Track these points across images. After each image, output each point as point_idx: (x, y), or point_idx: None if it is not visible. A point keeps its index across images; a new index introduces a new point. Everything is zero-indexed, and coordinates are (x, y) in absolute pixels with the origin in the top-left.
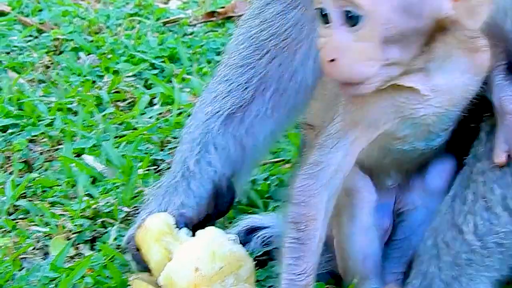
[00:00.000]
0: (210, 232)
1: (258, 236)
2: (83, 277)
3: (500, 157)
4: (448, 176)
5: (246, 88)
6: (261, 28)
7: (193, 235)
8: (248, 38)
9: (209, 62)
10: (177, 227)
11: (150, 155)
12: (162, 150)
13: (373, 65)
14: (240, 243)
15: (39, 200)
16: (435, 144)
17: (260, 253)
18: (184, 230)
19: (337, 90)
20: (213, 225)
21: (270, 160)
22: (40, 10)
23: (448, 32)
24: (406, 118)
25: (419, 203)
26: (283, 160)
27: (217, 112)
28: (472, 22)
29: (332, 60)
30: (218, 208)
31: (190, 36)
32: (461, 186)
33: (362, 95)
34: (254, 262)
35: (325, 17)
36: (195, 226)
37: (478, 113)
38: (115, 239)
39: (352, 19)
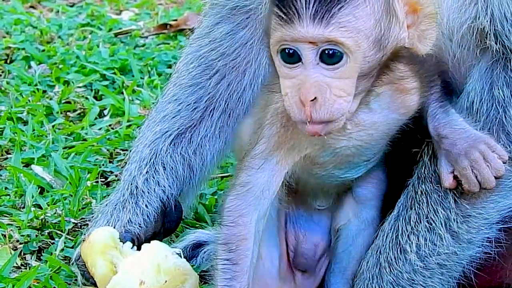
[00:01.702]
0: (155, 246)
1: (205, 251)
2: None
3: (448, 181)
4: (376, 184)
5: (195, 108)
6: (211, 47)
7: (138, 250)
8: (198, 57)
9: (160, 74)
10: (121, 241)
11: (99, 167)
12: (111, 162)
13: (350, 99)
14: (186, 257)
15: None
16: (356, 174)
17: (205, 267)
18: (129, 244)
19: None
20: (160, 240)
21: (218, 175)
22: None
23: (389, 68)
24: (327, 146)
25: (351, 215)
26: (231, 175)
27: (166, 132)
28: (424, 47)
29: (313, 100)
30: (165, 227)
31: (141, 48)
32: (405, 206)
33: (330, 133)
34: (199, 277)
35: (292, 57)
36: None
37: (419, 138)
38: (62, 250)
39: (332, 58)
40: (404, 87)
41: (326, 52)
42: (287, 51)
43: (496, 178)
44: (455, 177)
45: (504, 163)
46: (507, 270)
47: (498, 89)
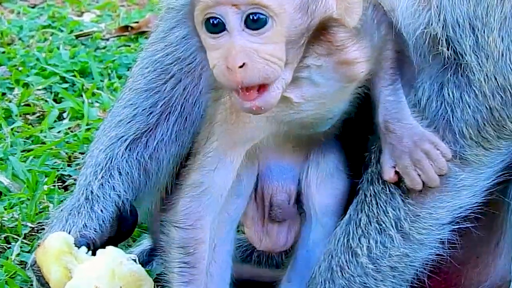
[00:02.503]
0: (110, 252)
1: (160, 255)
2: None
3: (389, 174)
4: (339, 195)
5: (151, 113)
6: (166, 52)
7: (94, 254)
8: (153, 62)
9: (120, 77)
10: (77, 246)
11: (57, 171)
12: (69, 165)
13: (281, 64)
14: (142, 262)
15: None
16: (323, 129)
17: (160, 272)
18: (84, 249)
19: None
20: (116, 245)
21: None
22: None
23: (321, 39)
24: (282, 122)
25: (314, 222)
26: None
27: (122, 137)
28: (351, 20)
29: (242, 66)
30: (121, 231)
31: (102, 50)
32: (356, 210)
33: (269, 105)
34: (155, 281)
35: (217, 26)
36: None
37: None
38: (18, 255)
39: (257, 22)
40: (344, 58)
41: (251, 17)
42: (211, 21)
43: (440, 175)
44: (397, 172)
45: (447, 161)
46: (463, 275)
47: (448, 90)
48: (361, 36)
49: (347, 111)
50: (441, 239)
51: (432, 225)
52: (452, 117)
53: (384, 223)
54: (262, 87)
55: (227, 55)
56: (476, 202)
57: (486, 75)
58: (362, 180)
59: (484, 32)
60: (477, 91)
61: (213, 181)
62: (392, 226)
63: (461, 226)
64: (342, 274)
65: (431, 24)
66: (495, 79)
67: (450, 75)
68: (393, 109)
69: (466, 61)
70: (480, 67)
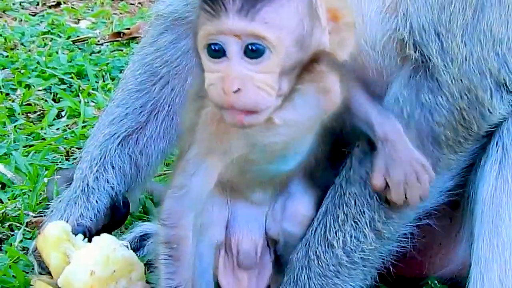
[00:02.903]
0: (104, 239)
1: (151, 242)
2: None
3: (378, 180)
4: (315, 206)
5: (141, 112)
6: (155, 55)
7: (90, 242)
8: (143, 65)
9: (113, 79)
10: (74, 234)
11: (56, 164)
12: (67, 159)
13: (273, 94)
14: (134, 248)
15: None
16: (289, 167)
17: (151, 257)
18: (80, 236)
19: (196, 120)
20: (110, 233)
21: (164, 172)
22: None
23: (309, 68)
24: (257, 143)
25: (291, 230)
26: None
27: (114, 134)
28: (342, 53)
29: (236, 91)
30: (114, 220)
31: (97, 54)
32: (333, 204)
33: (252, 126)
34: (146, 266)
35: (218, 52)
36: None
37: (348, 139)
38: (21, 241)
39: (255, 52)
40: (323, 86)
41: (250, 46)
42: (213, 47)
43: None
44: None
45: (431, 181)
46: (426, 261)
47: (424, 95)
48: (337, 69)
49: (311, 151)
50: (406, 234)
51: (401, 225)
52: (433, 122)
53: (359, 222)
54: (251, 111)
55: (224, 79)
56: (441, 200)
57: (453, 77)
58: (340, 176)
59: (448, 37)
60: (447, 93)
61: (192, 185)
62: (367, 225)
63: (423, 222)
64: (318, 263)
65: (398, 30)
66: (461, 81)
67: (422, 79)
68: (390, 124)
69: (434, 63)
70: (447, 69)
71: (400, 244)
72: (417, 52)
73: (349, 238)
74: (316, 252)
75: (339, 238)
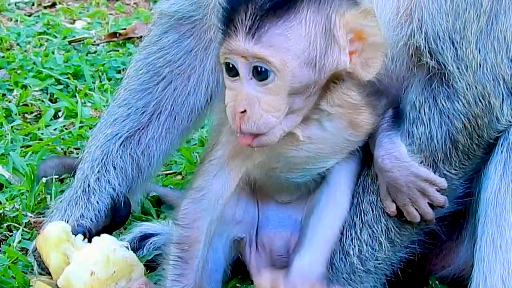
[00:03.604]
0: (105, 239)
1: (150, 242)
2: None
3: (391, 209)
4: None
5: (143, 112)
6: (158, 55)
7: (90, 242)
8: (146, 64)
9: (110, 79)
10: (74, 234)
11: None
12: None
13: (279, 116)
14: (133, 248)
15: None
16: (312, 177)
17: (151, 257)
18: (80, 237)
19: (223, 121)
20: (110, 233)
21: (163, 172)
22: None
23: (336, 88)
24: (280, 155)
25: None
26: (175, 172)
27: (116, 135)
28: (366, 74)
29: (243, 112)
30: (115, 221)
31: (93, 55)
32: (350, 213)
33: (265, 145)
34: (145, 266)
35: (232, 71)
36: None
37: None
38: (19, 242)
39: (261, 74)
40: (355, 120)
41: (257, 68)
42: (228, 65)
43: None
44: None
45: (443, 189)
46: (428, 262)
47: (441, 101)
48: (370, 105)
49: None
50: (415, 240)
51: (412, 233)
52: (454, 128)
53: (376, 230)
54: (258, 134)
55: (236, 98)
56: (452, 208)
57: (468, 83)
58: (358, 184)
59: (462, 44)
60: (463, 100)
61: (212, 187)
62: (383, 233)
63: (430, 227)
64: (332, 270)
65: (414, 36)
66: (476, 87)
67: (439, 86)
68: (389, 148)
69: (449, 70)
70: (462, 76)
71: (409, 250)
72: (433, 60)
73: (365, 246)
74: (332, 260)
75: (355, 246)
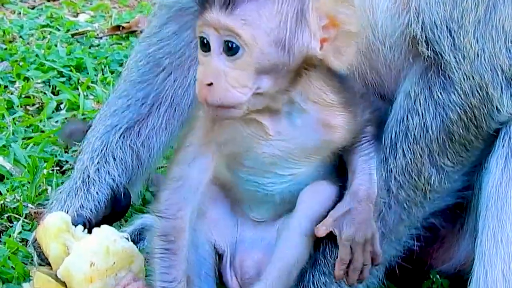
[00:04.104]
0: (104, 230)
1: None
2: None
3: (322, 232)
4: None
5: (143, 103)
6: (158, 46)
7: (90, 233)
8: (146, 55)
9: (112, 72)
10: (74, 224)
11: (55, 156)
12: (66, 152)
13: (245, 92)
14: (134, 240)
15: None
16: (281, 186)
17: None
18: (80, 227)
19: (200, 111)
20: (110, 225)
21: (164, 164)
22: None
23: (310, 77)
24: (250, 149)
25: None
26: None
27: (116, 126)
28: (338, 63)
29: (209, 84)
30: (115, 212)
31: (96, 48)
32: None
33: (229, 119)
34: (145, 258)
35: (205, 46)
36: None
37: None
38: (20, 233)
39: (231, 49)
40: (328, 120)
41: (227, 43)
42: (201, 39)
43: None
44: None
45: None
46: (429, 256)
47: (436, 92)
48: (349, 109)
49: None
50: (413, 234)
51: (411, 230)
52: (449, 120)
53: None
54: (223, 106)
55: (203, 71)
56: (450, 201)
57: (465, 73)
58: None
59: (460, 34)
60: (460, 90)
61: (189, 175)
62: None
63: (430, 221)
64: (325, 263)
65: (411, 25)
66: (473, 78)
67: (435, 77)
68: (368, 183)
69: (446, 60)
70: (459, 66)
71: (408, 244)
72: (429, 49)
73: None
74: (324, 253)
75: None
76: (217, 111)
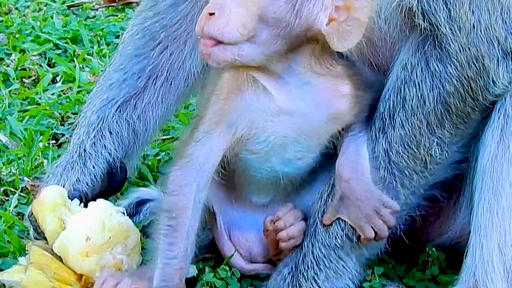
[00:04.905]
0: (100, 205)
1: (147, 208)
2: None
3: (328, 221)
4: None
5: (139, 77)
6: (154, 20)
7: (86, 207)
8: (142, 29)
9: (108, 44)
10: (70, 198)
11: (51, 129)
12: (62, 125)
13: (242, 32)
14: (130, 214)
15: None
16: (287, 170)
17: (147, 223)
18: (76, 201)
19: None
20: (106, 199)
21: (160, 138)
22: None
23: (314, 51)
24: (259, 129)
25: None
26: (172, 138)
27: (112, 100)
28: (339, 45)
29: (211, 15)
30: (111, 186)
31: (92, 20)
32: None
33: (221, 64)
34: (141, 231)
35: None
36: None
37: None
38: (16, 206)
39: None
40: (337, 89)
41: None
42: None
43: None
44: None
45: (395, 212)
46: (426, 228)
47: (433, 64)
48: (354, 79)
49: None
50: (414, 206)
51: (411, 201)
52: (445, 92)
53: None
54: (219, 42)
55: (211, 1)
56: (449, 173)
57: (461, 45)
58: None
59: (456, 5)
60: (456, 62)
61: (197, 153)
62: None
63: (431, 192)
64: (326, 233)
65: None
66: (469, 49)
67: (431, 49)
68: (354, 158)
69: (442, 32)
70: (455, 38)
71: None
72: (425, 21)
73: None
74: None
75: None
76: (208, 46)
